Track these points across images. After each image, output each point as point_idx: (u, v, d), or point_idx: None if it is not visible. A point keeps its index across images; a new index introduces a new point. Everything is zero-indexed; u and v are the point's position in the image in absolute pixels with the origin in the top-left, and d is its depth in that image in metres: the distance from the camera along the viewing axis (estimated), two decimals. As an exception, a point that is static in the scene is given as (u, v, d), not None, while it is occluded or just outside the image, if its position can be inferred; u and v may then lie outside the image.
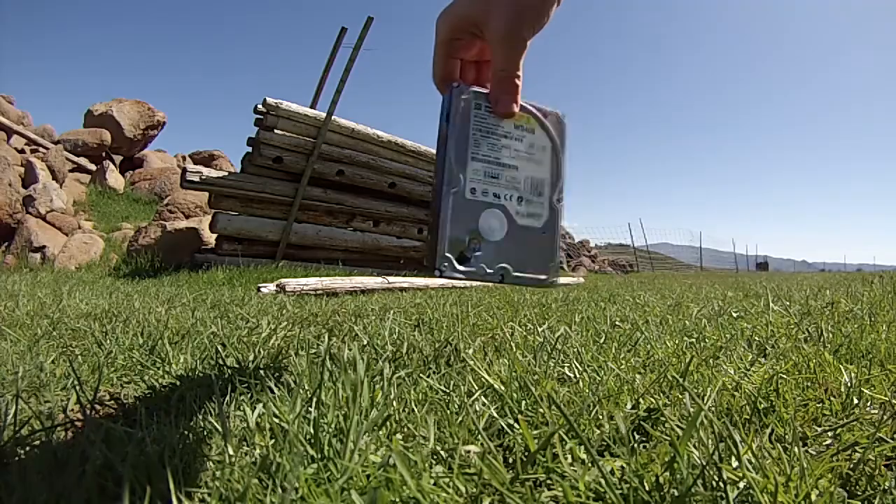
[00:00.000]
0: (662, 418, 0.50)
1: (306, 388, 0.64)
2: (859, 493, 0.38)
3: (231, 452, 0.46)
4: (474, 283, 3.59)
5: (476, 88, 0.48)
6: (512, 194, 0.47)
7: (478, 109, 0.48)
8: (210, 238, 4.65)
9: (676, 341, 0.90)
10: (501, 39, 0.45)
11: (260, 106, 4.19)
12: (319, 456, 0.43)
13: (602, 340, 0.91)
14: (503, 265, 0.45)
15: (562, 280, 4.61)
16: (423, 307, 1.69)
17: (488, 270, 0.45)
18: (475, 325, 1.22)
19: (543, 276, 0.47)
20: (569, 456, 0.42)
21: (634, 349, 0.85)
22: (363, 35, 4.45)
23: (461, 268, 0.44)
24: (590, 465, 0.40)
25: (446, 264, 0.44)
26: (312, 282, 2.78)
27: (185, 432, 0.50)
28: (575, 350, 0.78)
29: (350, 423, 0.46)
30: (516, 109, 0.47)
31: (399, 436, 0.47)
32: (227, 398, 0.63)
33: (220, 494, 0.39)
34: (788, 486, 0.37)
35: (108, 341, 0.97)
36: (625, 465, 0.40)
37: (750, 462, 0.39)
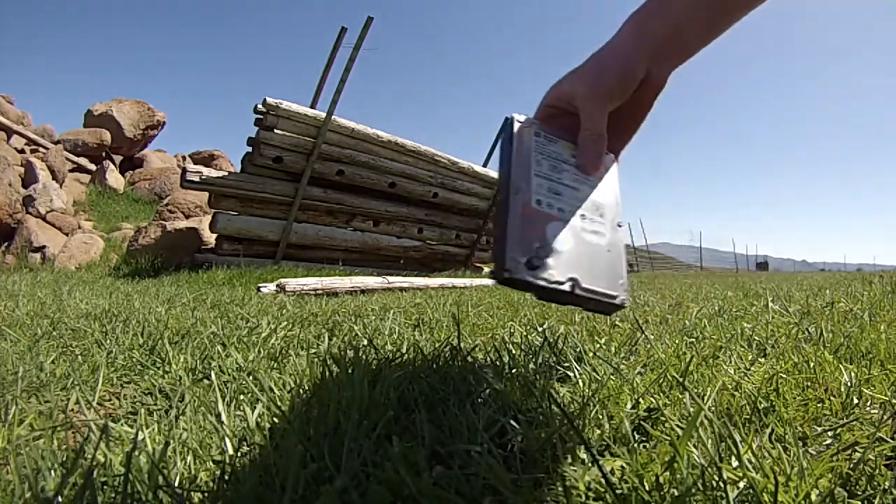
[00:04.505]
0: (662, 418, 0.50)
1: (306, 387, 0.64)
2: (859, 492, 0.38)
3: (231, 452, 0.46)
4: (475, 283, 3.58)
5: (531, 117, 0.50)
6: (575, 211, 0.46)
7: (538, 137, 0.49)
8: (210, 238, 4.65)
9: (676, 341, 0.90)
10: (584, 99, 0.47)
11: (260, 106, 4.19)
12: (319, 456, 0.43)
13: (602, 340, 0.91)
14: (573, 275, 0.42)
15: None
16: (423, 307, 1.69)
17: (558, 278, 0.42)
18: (475, 325, 1.22)
19: (614, 294, 0.44)
20: (569, 456, 0.42)
21: (634, 349, 0.85)
22: (363, 35, 4.45)
23: (531, 272, 0.41)
24: (590, 465, 0.40)
25: (515, 266, 0.41)
26: (312, 282, 2.78)
27: (186, 432, 0.50)
28: (575, 350, 0.78)
29: (350, 423, 0.46)
30: (596, 169, 0.49)
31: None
32: (228, 398, 0.63)
33: (221, 494, 0.39)
34: (788, 485, 0.37)
35: (108, 341, 0.97)
36: (625, 465, 0.40)
37: (750, 462, 0.39)
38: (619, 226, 0.48)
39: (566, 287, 0.41)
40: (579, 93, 0.47)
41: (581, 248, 0.44)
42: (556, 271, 0.42)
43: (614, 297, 0.43)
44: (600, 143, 0.48)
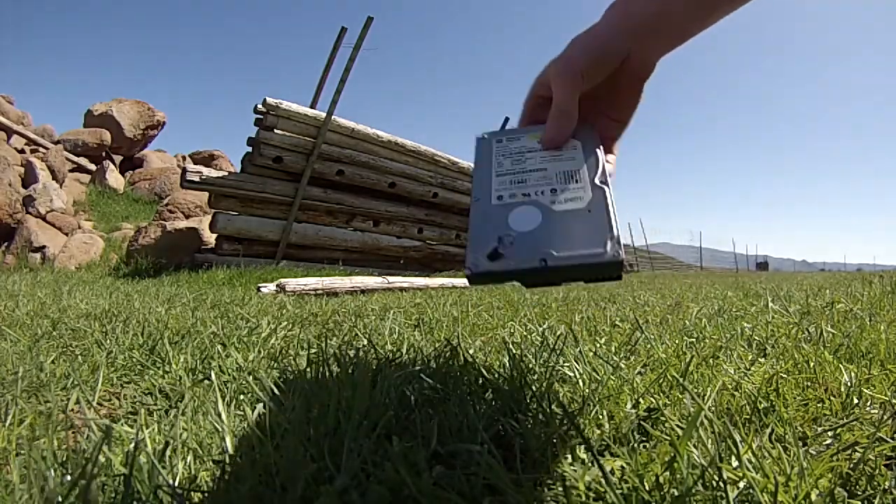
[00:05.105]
0: (662, 418, 0.50)
1: (306, 387, 0.64)
2: (859, 492, 0.38)
3: (231, 452, 0.46)
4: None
5: (495, 131, 0.52)
6: (544, 189, 0.44)
7: (499, 143, 0.50)
8: (210, 238, 4.65)
9: (676, 341, 0.90)
10: (555, 77, 0.47)
11: (260, 106, 4.20)
12: (319, 456, 0.43)
13: (602, 340, 0.91)
14: (544, 250, 0.40)
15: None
16: (423, 307, 1.69)
17: (526, 257, 0.40)
18: (475, 325, 1.22)
19: (599, 251, 0.39)
20: (569, 455, 0.42)
21: (634, 349, 0.85)
22: (363, 35, 4.45)
23: (494, 263, 0.40)
24: (590, 464, 0.40)
25: (475, 262, 0.40)
26: (312, 282, 2.78)
27: (186, 432, 0.50)
28: (575, 350, 0.78)
29: (350, 423, 0.46)
30: (559, 142, 0.48)
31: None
32: (228, 398, 0.63)
33: (221, 494, 0.39)
34: (788, 485, 0.37)
35: (108, 341, 0.97)
36: (625, 465, 0.40)
37: (750, 462, 0.39)
38: (604, 182, 0.45)
39: (536, 264, 0.39)
40: (552, 72, 0.47)
41: (552, 220, 0.42)
42: (524, 253, 0.40)
43: (601, 254, 0.39)
44: (564, 119, 0.47)
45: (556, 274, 0.40)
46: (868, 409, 0.53)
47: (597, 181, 0.45)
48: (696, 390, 0.60)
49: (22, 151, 7.21)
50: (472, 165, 0.50)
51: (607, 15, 0.48)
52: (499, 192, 0.45)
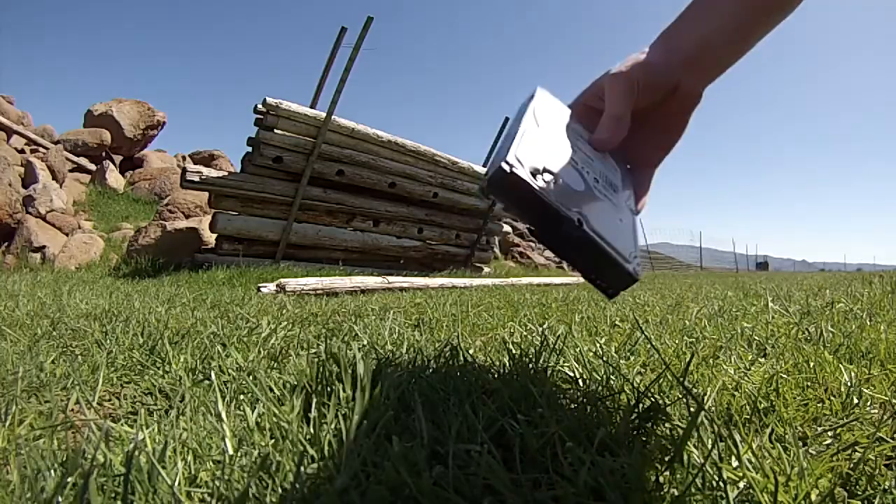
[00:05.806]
0: (662, 418, 0.50)
1: (306, 387, 0.64)
2: (859, 492, 0.38)
3: (231, 452, 0.46)
4: (475, 283, 3.57)
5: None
6: (588, 171, 0.42)
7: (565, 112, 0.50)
8: (210, 238, 4.65)
9: (676, 341, 0.90)
10: (610, 79, 0.49)
11: (260, 106, 4.19)
12: (320, 456, 0.43)
13: (602, 340, 0.91)
14: (584, 213, 0.35)
15: (562, 280, 4.60)
16: (423, 307, 1.69)
17: (566, 204, 0.35)
18: (475, 325, 1.22)
19: (628, 257, 0.37)
20: (569, 455, 0.42)
21: (634, 349, 0.85)
22: (363, 35, 4.45)
23: (535, 179, 0.34)
24: (590, 464, 0.40)
25: (517, 163, 0.34)
26: (312, 282, 2.78)
27: (186, 432, 0.50)
28: (575, 350, 0.78)
29: (349, 423, 0.46)
30: (609, 146, 0.49)
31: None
32: (228, 398, 0.63)
33: (221, 494, 0.39)
34: (788, 485, 0.37)
35: (108, 341, 0.97)
36: (625, 465, 0.40)
37: (750, 462, 0.39)
38: (634, 213, 0.46)
39: (574, 216, 0.34)
40: (609, 79, 0.49)
41: (593, 198, 0.39)
42: (567, 200, 0.35)
43: (627, 262, 0.36)
44: (617, 124, 0.48)
45: (578, 242, 0.36)
46: (868, 409, 0.53)
47: (630, 206, 0.46)
48: (696, 390, 0.60)
49: (22, 151, 7.21)
50: (520, 113, 0.46)
51: (654, 48, 0.50)
52: (549, 135, 0.42)
